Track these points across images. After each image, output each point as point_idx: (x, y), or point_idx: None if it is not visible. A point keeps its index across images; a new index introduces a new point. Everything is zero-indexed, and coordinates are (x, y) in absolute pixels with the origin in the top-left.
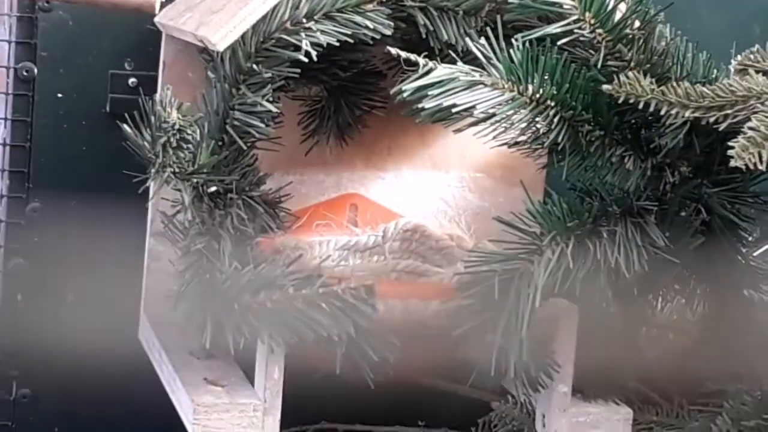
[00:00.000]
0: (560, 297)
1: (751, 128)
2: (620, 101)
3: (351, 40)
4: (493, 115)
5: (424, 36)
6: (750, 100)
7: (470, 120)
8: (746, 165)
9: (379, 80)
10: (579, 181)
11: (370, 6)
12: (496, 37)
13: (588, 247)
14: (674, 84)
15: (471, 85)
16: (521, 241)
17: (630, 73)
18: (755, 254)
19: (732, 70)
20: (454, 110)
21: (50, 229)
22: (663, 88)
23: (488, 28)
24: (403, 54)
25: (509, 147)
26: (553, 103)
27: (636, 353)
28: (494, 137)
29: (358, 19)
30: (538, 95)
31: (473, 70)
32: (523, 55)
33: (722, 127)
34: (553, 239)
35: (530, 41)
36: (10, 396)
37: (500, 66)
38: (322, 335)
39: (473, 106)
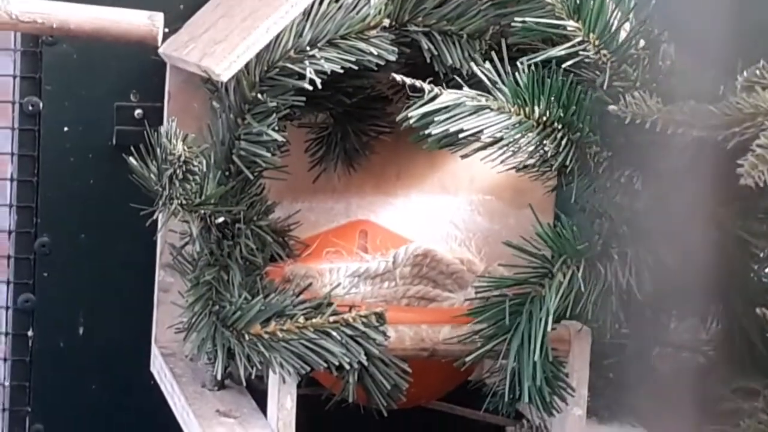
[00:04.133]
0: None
1: (759, 146)
2: (627, 121)
3: (355, 67)
4: (501, 139)
5: (428, 60)
6: (757, 117)
7: (478, 145)
8: (756, 182)
9: (385, 105)
10: (588, 202)
11: (373, 32)
12: (501, 61)
13: (599, 269)
14: (681, 103)
15: (477, 109)
16: (532, 265)
17: (636, 93)
18: (767, 271)
19: (738, 87)
20: (461, 135)
21: (59, 263)
22: (669, 107)
23: (493, 52)
24: (408, 80)
25: (517, 171)
26: (560, 126)
27: (650, 373)
28: (502, 161)
29: (361, 45)
30: (544, 118)
31: (479, 94)
32: (528, 78)
33: (730, 145)
34: (563, 262)
35: (535, 64)
36: (23, 431)
37: (506, 90)
38: (334, 363)
39: (480, 131)
